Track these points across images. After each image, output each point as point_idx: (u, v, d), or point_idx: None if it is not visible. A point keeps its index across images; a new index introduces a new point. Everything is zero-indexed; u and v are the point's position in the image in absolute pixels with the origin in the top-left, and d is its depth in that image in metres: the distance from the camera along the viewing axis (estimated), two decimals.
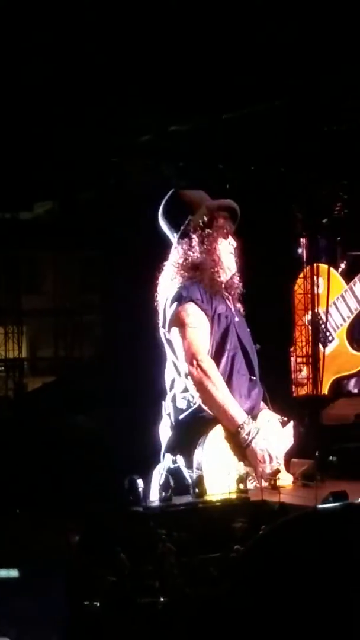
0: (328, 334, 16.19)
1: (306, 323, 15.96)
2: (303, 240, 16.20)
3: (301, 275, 15.87)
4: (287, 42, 13.12)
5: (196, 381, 9.72)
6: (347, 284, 17.66)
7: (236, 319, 10.47)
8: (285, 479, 10.85)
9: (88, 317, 16.82)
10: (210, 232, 10.37)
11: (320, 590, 2.03)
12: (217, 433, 9.84)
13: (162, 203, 11.05)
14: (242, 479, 10.14)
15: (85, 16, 12.12)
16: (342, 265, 17.52)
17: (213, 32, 12.57)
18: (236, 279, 10.66)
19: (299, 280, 15.96)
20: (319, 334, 15.78)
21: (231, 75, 13.58)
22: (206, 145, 15.64)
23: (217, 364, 10.11)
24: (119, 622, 7.05)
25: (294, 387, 15.58)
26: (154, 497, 10.14)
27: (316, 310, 15.83)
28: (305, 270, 15.89)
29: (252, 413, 10.25)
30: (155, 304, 10.46)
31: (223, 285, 10.46)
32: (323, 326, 15.91)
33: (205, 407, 9.81)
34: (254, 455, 9.98)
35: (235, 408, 9.81)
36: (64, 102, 13.16)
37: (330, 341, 16.19)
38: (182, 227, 10.45)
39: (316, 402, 15.46)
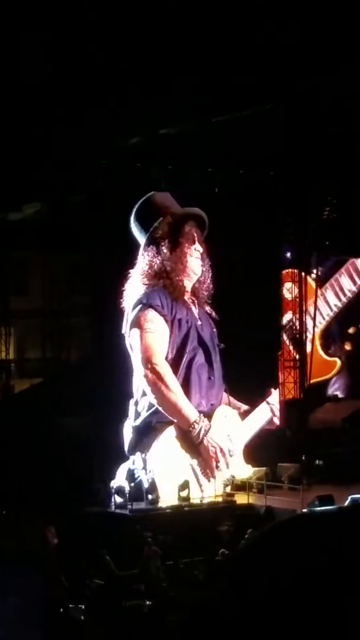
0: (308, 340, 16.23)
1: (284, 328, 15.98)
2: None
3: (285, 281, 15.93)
4: (282, 46, 13.15)
5: (150, 383, 10.46)
6: (318, 289, 17.74)
7: (199, 322, 11.12)
8: (243, 471, 11.27)
9: (75, 319, 16.79)
10: (176, 238, 11.10)
11: (315, 594, 2.04)
12: (169, 434, 10.51)
13: (135, 208, 11.65)
14: (184, 486, 10.54)
15: (79, 21, 12.13)
16: (317, 272, 17.57)
17: (205, 38, 12.59)
18: (204, 283, 11.42)
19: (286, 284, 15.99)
20: (295, 339, 15.81)
21: (222, 80, 13.60)
22: (196, 149, 15.66)
23: (177, 365, 10.82)
24: (104, 624, 7.04)
25: (280, 391, 15.59)
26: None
27: (291, 317, 15.88)
28: (283, 274, 15.94)
29: (211, 409, 10.88)
30: (122, 305, 11.10)
31: (188, 290, 11.21)
32: (296, 333, 15.94)
33: (159, 407, 10.48)
34: (207, 451, 10.55)
35: (187, 407, 10.48)
36: (54, 105, 13.17)
37: (307, 343, 16.24)
38: (148, 234, 11.23)
39: (302, 406, 15.47)
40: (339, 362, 17.77)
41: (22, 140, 13.79)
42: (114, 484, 10.92)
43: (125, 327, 10.80)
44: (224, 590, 2.31)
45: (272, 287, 15.60)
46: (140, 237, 11.26)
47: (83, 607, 7.43)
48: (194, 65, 13.00)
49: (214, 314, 11.29)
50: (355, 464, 14.54)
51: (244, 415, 11.14)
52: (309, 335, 16.57)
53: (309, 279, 16.67)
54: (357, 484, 13.33)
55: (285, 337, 15.90)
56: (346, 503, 11.00)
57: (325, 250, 17.42)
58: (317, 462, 14.52)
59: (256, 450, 13.50)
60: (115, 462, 12.51)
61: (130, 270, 11.09)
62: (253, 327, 14.04)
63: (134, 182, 14.31)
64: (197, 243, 11.09)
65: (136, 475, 10.58)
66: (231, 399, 11.11)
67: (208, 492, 10.50)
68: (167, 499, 10.34)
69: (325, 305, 17.66)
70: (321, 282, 17.48)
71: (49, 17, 11.67)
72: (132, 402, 10.95)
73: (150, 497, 10.48)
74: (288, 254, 16.35)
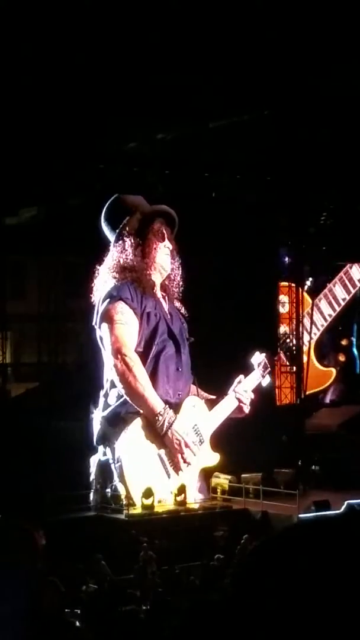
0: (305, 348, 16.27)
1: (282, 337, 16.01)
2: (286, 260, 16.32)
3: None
4: (275, 53, 13.16)
5: (120, 373, 10.48)
6: (313, 300, 17.77)
7: (168, 316, 11.21)
8: (210, 459, 11.26)
9: (72, 323, 16.78)
10: (145, 235, 11.17)
11: (324, 602, 2.03)
12: (137, 424, 10.54)
13: (104, 209, 11.70)
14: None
15: (73, 25, 12.12)
16: (308, 283, 17.60)
17: (200, 43, 12.60)
18: (174, 280, 11.44)
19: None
20: (292, 351, 15.85)
21: (219, 85, 13.61)
22: (192, 154, 15.67)
23: (146, 356, 10.90)
24: (99, 629, 7.02)
25: (277, 396, 15.62)
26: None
27: (285, 330, 15.91)
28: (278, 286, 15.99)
29: (179, 399, 10.97)
30: (91, 302, 11.18)
31: (158, 285, 11.28)
32: (293, 346, 15.97)
33: (127, 398, 10.54)
34: (171, 442, 10.56)
35: (154, 398, 10.51)
36: (51, 110, 13.16)
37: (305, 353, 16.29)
38: (117, 231, 11.31)
39: (299, 411, 15.51)
40: (334, 371, 17.81)
41: (19, 144, 13.79)
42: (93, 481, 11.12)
43: (96, 320, 10.92)
44: (226, 596, 2.30)
45: (269, 293, 15.63)
46: (111, 235, 11.41)
47: (79, 612, 7.40)
48: (191, 70, 13.01)
49: (183, 309, 11.43)
50: (352, 470, 14.55)
51: (210, 404, 11.21)
52: (305, 347, 16.59)
53: (303, 292, 16.72)
54: (353, 489, 13.34)
55: (279, 350, 15.94)
56: (342, 508, 11.01)
57: (323, 256, 17.48)
58: (313, 467, 14.53)
59: (252, 456, 13.51)
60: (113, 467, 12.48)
61: (98, 267, 11.24)
62: (254, 332, 14.07)
63: (131, 187, 14.32)
64: (166, 240, 11.19)
65: (107, 467, 10.79)
66: (200, 390, 11.24)
67: (174, 483, 10.64)
68: (136, 491, 10.42)
69: (320, 316, 17.71)
70: (315, 293, 17.53)
71: (44, 21, 11.67)
72: (101, 393, 11.06)
73: (114, 489, 10.71)
74: (286, 259, 16.39)
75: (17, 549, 5.25)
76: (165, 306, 11.31)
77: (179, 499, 10.98)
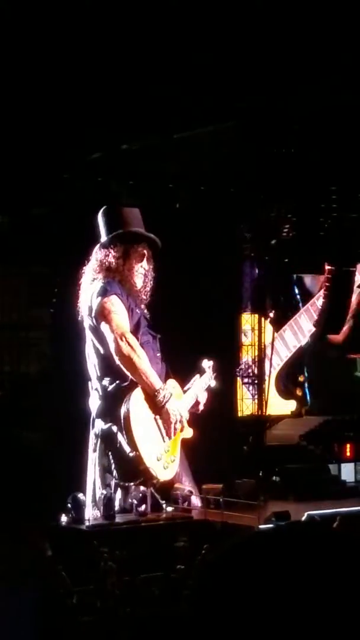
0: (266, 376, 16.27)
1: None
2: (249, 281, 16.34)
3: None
4: (239, 64, 13.24)
5: (125, 353, 11.71)
6: (277, 332, 17.80)
7: (144, 315, 12.42)
8: (188, 432, 12.31)
9: (34, 332, 16.74)
10: (127, 252, 12.26)
11: (279, 611, 2.06)
12: (138, 393, 11.82)
13: (103, 208, 12.47)
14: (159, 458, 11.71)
15: (39, 31, 12.14)
16: (271, 315, 17.61)
17: (164, 55, 12.66)
18: (141, 292, 12.46)
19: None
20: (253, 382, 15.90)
21: (183, 96, 13.67)
22: (157, 164, 15.71)
23: None
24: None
25: (238, 407, 15.65)
26: (91, 464, 11.98)
27: (246, 360, 15.93)
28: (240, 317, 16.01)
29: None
30: (78, 302, 12.14)
31: (137, 289, 12.43)
32: (254, 378, 15.97)
33: (129, 375, 11.79)
34: (168, 415, 11.88)
35: (154, 376, 11.93)
36: (14, 117, 13.16)
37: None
38: (106, 237, 12.36)
39: (260, 422, 15.54)
40: (295, 403, 17.86)
41: None
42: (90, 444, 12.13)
43: (89, 312, 12.05)
44: (181, 607, 2.33)
45: (233, 305, 15.66)
46: (101, 234, 12.46)
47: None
48: (155, 80, 13.06)
49: (147, 314, 12.52)
50: (312, 481, 14.63)
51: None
52: (266, 379, 16.61)
53: (265, 321, 16.76)
54: (314, 500, 13.42)
55: (249, 352, 15.94)
56: (302, 519, 11.07)
57: (285, 268, 17.55)
58: (274, 478, 14.59)
59: (212, 466, 13.55)
60: (73, 477, 12.51)
61: (84, 268, 12.27)
62: (214, 344, 14.21)
63: (95, 197, 14.35)
64: (144, 261, 12.37)
65: (112, 436, 11.87)
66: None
67: (167, 447, 11.94)
68: (145, 451, 11.66)
69: (284, 347, 17.73)
70: (277, 324, 17.57)
71: (13, 30, 11.69)
72: (94, 380, 12.19)
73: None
74: (255, 271, 16.37)
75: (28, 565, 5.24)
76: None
77: (140, 509, 11.06)
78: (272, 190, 15.88)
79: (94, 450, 12.12)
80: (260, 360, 15.97)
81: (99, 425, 12.07)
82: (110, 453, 11.93)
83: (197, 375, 12.78)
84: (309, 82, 13.64)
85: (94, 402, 12.17)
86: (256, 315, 15.97)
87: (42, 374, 16.30)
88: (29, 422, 13.98)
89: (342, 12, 12.25)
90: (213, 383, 13.03)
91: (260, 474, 14.18)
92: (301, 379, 17.78)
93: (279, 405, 17.31)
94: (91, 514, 11.68)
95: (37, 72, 12.50)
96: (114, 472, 11.90)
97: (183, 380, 12.67)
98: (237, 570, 2.17)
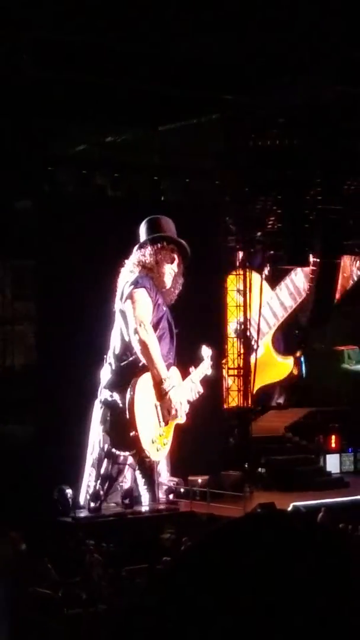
0: (253, 342, 16.28)
1: (233, 334, 16.06)
2: (239, 254, 16.34)
3: (231, 283, 15.96)
4: (225, 58, 13.25)
5: (142, 339, 13.41)
6: (273, 289, 17.80)
7: (168, 312, 13.93)
8: (182, 418, 13.42)
9: (19, 326, 16.66)
10: (160, 252, 13.87)
11: (246, 605, 2.08)
12: (146, 378, 13.39)
13: (148, 218, 13.93)
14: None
15: (25, 26, 12.12)
16: (266, 272, 17.63)
17: (149, 49, 12.66)
18: (173, 292, 14.00)
19: (231, 292, 16.07)
20: (248, 343, 15.96)
21: (168, 89, 13.66)
22: (142, 157, 15.69)
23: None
24: (47, 632, 7.02)
25: (224, 398, 15.67)
26: (94, 428, 13.30)
27: (241, 319, 15.99)
28: (236, 272, 16.01)
29: (170, 365, 13.71)
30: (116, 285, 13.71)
31: (166, 287, 13.99)
32: (248, 334, 16.06)
33: (142, 358, 13.39)
34: (170, 402, 13.33)
35: (162, 365, 13.53)
36: (1, 113, 13.14)
37: (255, 350, 16.29)
38: (145, 238, 13.95)
39: (246, 414, 15.58)
40: (291, 363, 17.88)
41: None
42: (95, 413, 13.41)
43: (121, 296, 13.67)
44: (160, 598, 2.33)
45: (217, 293, 15.67)
46: (141, 236, 13.93)
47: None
48: (139, 74, 13.05)
49: (170, 314, 13.99)
50: (297, 472, 14.66)
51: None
52: (261, 338, 16.68)
53: (259, 278, 16.78)
54: (299, 491, 13.44)
55: (235, 345, 15.96)
56: (288, 510, 11.09)
57: (270, 259, 17.57)
58: (259, 470, 14.63)
59: (199, 458, 13.58)
60: (59, 470, 12.50)
61: (125, 260, 13.74)
62: (201, 335, 14.32)
63: (79, 189, 14.33)
64: (174, 264, 13.95)
65: (115, 407, 13.32)
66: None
67: (160, 431, 13.09)
68: (143, 430, 12.94)
69: (280, 307, 17.73)
70: (274, 281, 17.58)
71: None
72: (110, 355, 13.72)
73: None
74: (241, 254, 16.34)
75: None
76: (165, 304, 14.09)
77: (125, 502, 11.06)
78: (257, 183, 15.91)
79: (99, 419, 13.48)
80: (245, 353, 15.99)
81: (105, 395, 13.58)
82: (109, 419, 13.39)
83: (192, 368, 13.83)
84: (295, 75, 13.67)
85: (105, 374, 13.70)
86: (242, 275, 15.98)
87: (26, 367, 16.24)
88: (16, 415, 13.98)
89: (327, 8, 12.32)
90: (209, 372, 14.02)
91: (246, 465, 14.21)
92: (299, 354, 18.04)
93: (272, 370, 17.37)
94: (89, 480, 12.79)
95: (21, 67, 12.50)
96: (109, 438, 13.25)
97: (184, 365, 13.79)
98: (214, 557, 2.19)
